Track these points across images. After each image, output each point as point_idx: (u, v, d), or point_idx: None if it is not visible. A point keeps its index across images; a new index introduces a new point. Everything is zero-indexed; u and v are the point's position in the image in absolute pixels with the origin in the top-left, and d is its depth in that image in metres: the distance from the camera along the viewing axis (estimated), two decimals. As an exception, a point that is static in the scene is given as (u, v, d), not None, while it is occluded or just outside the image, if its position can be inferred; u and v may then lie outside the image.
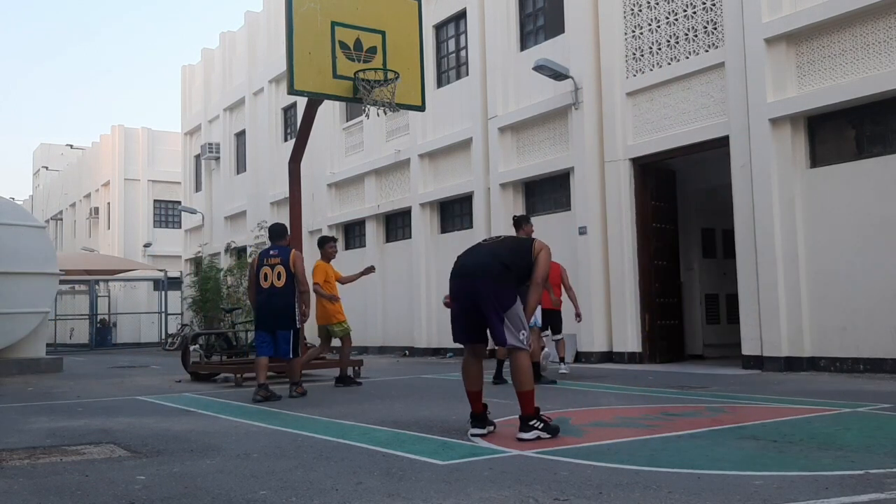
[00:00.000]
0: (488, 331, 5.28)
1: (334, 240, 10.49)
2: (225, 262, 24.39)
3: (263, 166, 23.75)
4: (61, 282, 19.66)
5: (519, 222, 8.77)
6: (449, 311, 5.69)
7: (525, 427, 5.10)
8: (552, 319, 10.12)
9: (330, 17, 10.36)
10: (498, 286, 5.21)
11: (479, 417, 5.39)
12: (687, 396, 7.71)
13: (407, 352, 17.01)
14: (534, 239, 5.72)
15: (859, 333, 9.45)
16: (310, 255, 11.43)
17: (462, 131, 15.81)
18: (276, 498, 3.67)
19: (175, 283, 27.24)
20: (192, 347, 12.55)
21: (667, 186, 13.04)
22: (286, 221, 9.78)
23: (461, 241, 15.44)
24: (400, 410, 7.00)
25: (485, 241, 5.73)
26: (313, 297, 9.06)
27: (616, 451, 4.68)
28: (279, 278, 8.27)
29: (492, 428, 5.41)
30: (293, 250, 8.53)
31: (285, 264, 8.29)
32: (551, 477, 3.95)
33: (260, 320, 8.41)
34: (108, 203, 38.97)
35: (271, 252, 8.48)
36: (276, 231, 8.75)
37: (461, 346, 5.51)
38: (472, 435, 5.29)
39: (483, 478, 3.98)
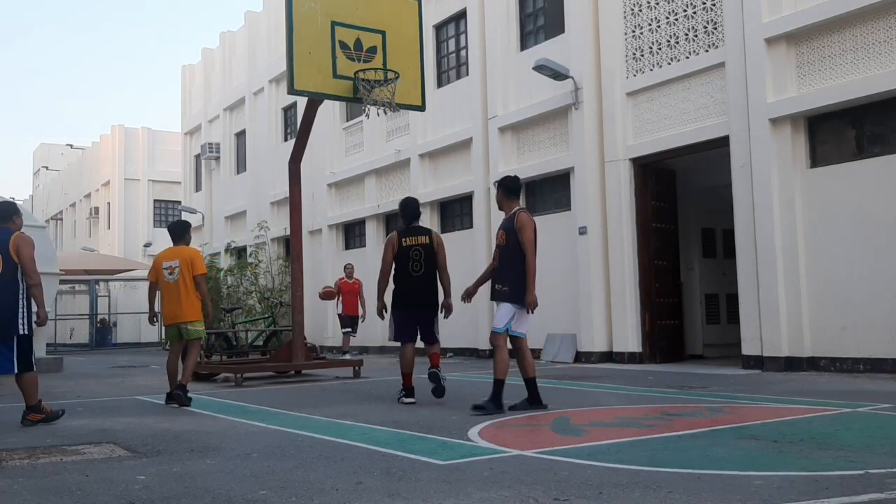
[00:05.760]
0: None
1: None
2: (225, 262, 24.38)
3: (263, 166, 23.74)
4: (61, 282, 19.66)
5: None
6: (451, 313, 7.54)
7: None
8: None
9: (330, 16, 10.35)
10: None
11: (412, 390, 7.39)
12: (687, 396, 7.71)
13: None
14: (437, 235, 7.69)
15: (859, 333, 9.45)
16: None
17: (462, 131, 15.81)
18: (276, 498, 3.67)
19: (175, 283, 27.14)
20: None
21: (667, 186, 13.03)
22: (286, 222, 9.64)
23: (462, 241, 15.47)
24: (400, 410, 7.01)
25: (417, 269, 7.54)
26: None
27: (616, 451, 4.68)
28: None
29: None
30: (18, 233, 6.54)
31: (3, 251, 6.37)
32: (551, 477, 3.95)
33: None
34: (108, 203, 38.98)
35: None
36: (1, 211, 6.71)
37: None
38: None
39: (483, 478, 3.98)
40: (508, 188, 6.86)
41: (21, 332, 6.36)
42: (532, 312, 6.56)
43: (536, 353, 13.78)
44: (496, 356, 6.52)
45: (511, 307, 6.51)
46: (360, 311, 15.42)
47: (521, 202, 14.78)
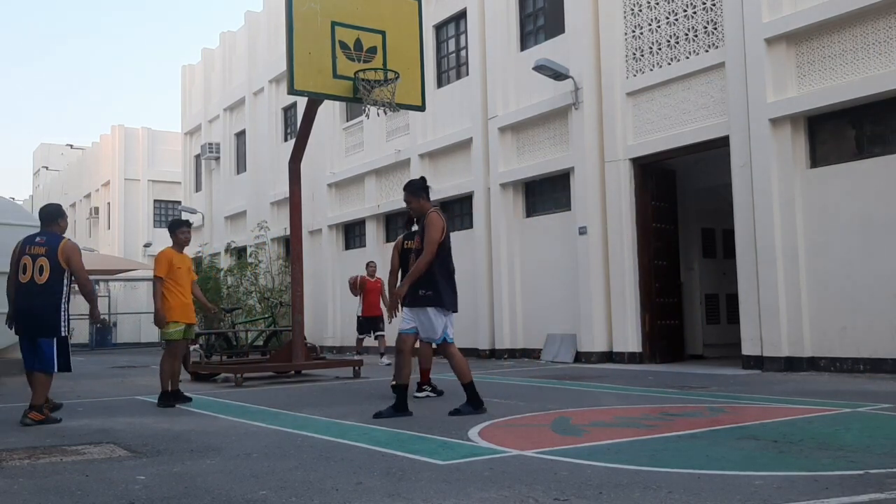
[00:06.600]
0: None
1: (188, 224, 8.86)
2: (225, 262, 24.39)
3: (263, 166, 23.75)
4: (61, 282, 19.58)
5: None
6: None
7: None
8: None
9: (330, 17, 10.36)
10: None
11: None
12: (687, 396, 7.71)
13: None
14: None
15: (859, 333, 9.45)
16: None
17: (462, 131, 15.81)
18: (276, 498, 3.67)
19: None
20: (192, 347, 12.53)
21: (667, 186, 13.04)
22: (286, 222, 9.59)
23: (461, 241, 15.46)
24: (400, 410, 6.99)
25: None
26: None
27: (616, 451, 4.68)
28: (41, 273, 6.59)
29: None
30: (66, 240, 6.83)
31: (51, 256, 6.63)
32: (551, 477, 3.95)
33: (17, 325, 6.72)
34: (108, 203, 38.98)
35: (37, 239, 6.76)
36: (46, 213, 6.93)
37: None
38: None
39: (483, 478, 3.98)
40: (413, 186, 6.77)
41: (62, 333, 6.70)
42: (394, 313, 6.64)
43: (536, 353, 13.81)
44: (453, 362, 6.48)
45: (438, 312, 6.45)
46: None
47: (521, 204, 14.95)
